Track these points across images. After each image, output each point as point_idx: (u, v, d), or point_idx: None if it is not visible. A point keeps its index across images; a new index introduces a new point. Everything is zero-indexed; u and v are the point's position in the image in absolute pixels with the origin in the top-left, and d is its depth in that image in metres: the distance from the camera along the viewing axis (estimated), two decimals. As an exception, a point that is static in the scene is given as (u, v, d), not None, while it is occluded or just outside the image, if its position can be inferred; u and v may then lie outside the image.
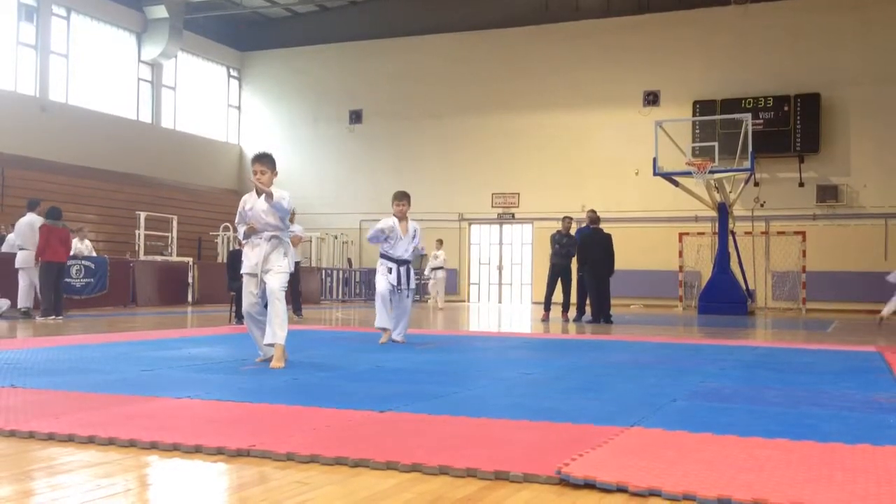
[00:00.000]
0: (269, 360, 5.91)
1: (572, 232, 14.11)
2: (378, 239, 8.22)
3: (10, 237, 15.15)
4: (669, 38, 22.83)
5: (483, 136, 24.63)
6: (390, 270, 8.12)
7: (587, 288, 13.60)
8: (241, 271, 6.14)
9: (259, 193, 5.94)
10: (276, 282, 5.91)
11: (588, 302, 13.75)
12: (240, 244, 6.68)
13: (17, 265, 12.43)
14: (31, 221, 12.28)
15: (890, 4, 21.06)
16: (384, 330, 8.13)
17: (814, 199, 21.44)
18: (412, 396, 4.41)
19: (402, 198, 8.30)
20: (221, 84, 27.31)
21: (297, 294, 14.08)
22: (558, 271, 13.83)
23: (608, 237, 13.52)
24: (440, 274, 19.21)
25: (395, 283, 8.09)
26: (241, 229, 6.13)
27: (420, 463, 2.80)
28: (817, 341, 9.57)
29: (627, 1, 23.45)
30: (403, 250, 8.20)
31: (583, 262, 13.51)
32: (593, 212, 14.01)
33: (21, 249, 12.43)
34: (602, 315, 13.17)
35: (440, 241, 19.63)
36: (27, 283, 12.50)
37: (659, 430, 3.48)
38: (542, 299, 14.40)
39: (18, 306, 12.52)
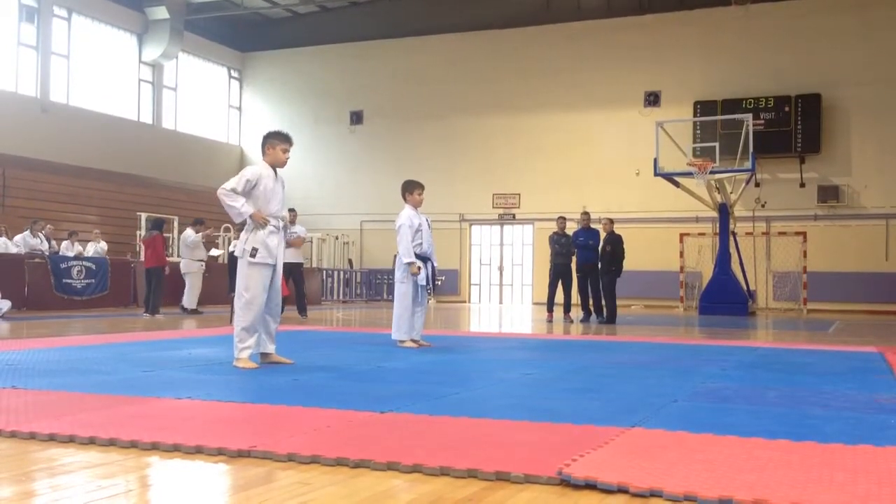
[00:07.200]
0: (271, 360, 5.91)
1: (569, 232, 14.17)
2: (412, 241, 7.48)
3: (17, 238, 15.35)
4: (670, 39, 22.83)
5: (484, 137, 24.63)
6: (419, 270, 7.50)
7: (606, 288, 13.52)
8: (259, 260, 5.68)
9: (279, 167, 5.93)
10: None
11: (591, 302, 13.85)
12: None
13: (182, 271, 14.93)
14: (186, 235, 14.94)
15: (891, 5, 21.05)
16: (406, 341, 7.54)
17: (815, 199, 21.43)
18: (413, 397, 4.41)
19: (422, 186, 7.77)
20: (222, 85, 27.32)
21: (302, 295, 14.08)
22: (560, 271, 13.86)
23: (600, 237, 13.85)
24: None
25: (425, 283, 7.53)
26: (242, 202, 5.71)
27: (421, 463, 2.80)
28: (818, 342, 9.56)
29: (628, 1, 23.45)
30: (429, 244, 7.71)
31: (613, 263, 13.46)
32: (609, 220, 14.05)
33: (183, 259, 15.04)
34: (612, 314, 13.46)
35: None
36: (189, 286, 14.77)
37: (660, 430, 3.48)
38: (543, 300, 14.44)
39: (185, 305, 14.73)
